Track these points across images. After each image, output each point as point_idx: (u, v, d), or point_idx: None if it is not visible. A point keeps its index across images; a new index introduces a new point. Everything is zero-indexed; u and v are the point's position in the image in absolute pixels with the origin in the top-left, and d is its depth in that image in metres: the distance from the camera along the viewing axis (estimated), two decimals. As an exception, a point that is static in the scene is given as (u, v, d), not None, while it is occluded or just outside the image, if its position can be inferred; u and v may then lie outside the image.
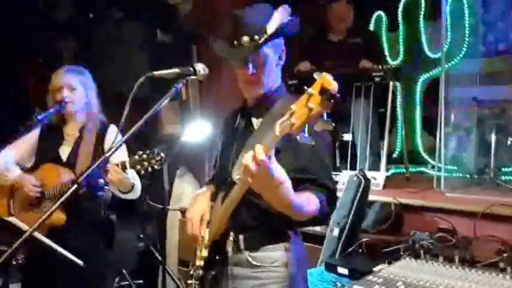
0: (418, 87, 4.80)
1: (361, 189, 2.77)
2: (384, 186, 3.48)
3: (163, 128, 4.68)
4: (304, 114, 1.26)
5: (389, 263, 2.39)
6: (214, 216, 1.91)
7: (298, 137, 1.31)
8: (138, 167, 2.27)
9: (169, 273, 3.86)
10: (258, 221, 1.80)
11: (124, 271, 3.91)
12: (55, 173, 2.56)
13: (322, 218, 1.70)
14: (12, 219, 2.07)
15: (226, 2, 4.51)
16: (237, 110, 1.97)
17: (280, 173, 1.45)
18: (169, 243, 4.00)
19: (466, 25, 4.52)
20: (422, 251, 2.44)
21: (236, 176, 1.75)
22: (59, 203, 1.51)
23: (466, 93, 3.89)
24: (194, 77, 1.83)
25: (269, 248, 1.81)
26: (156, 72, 1.77)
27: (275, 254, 1.81)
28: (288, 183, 1.48)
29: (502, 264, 2.19)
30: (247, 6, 1.82)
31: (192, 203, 2.00)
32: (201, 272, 1.89)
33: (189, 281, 1.93)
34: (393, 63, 4.88)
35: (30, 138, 2.67)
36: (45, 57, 4.56)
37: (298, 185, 1.64)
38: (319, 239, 2.97)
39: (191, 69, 1.82)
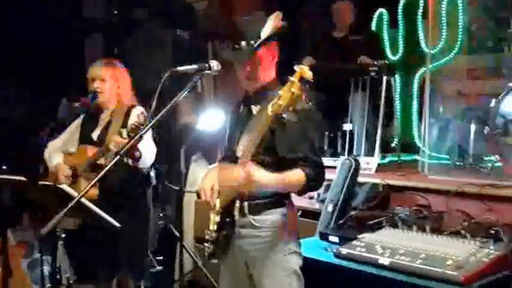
0: (416, 81, 5.17)
1: (351, 170, 3.19)
2: (376, 171, 3.90)
3: (180, 118, 5.12)
4: (288, 97, 1.72)
5: (372, 231, 2.83)
6: (224, 185, 2.27)
7: (284, 115, 1.76)
8: (132, 134, 2.56)
9: (187, 249, 4.26)
10: (259, 191, 2.15)
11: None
12: (85, 152, 2.94)
13: (311, 186, 2.13)
14: (63, 186, 2.45)
15: (240, 1, 4.96)
16: (240, 100, 2.39)
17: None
18: (186, 223, 4.43)
19: (460, 23, 4.87)
20: (400, 222, 2.87)
21: (239, 152, 2.19)
22: (102, 173, 1.96)
23: (453, 86, 4.27)
24: (209, 71, 2.25)
25: (268, 213, 2.20)
26: (179, 68, 2.19)
27: (273, 217, 2.20)
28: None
29: (463, 232, 2.61)
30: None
31: (204, 176, 2.38)
32: (214, 234, 2.25)
33: (205, 244, 2.33)
34: (394, 58, 5.26)
35: (73, 126, 3.12)
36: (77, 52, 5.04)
37: (289, 162, 2.09)
38: (317, 215, 3.41)
39: (207, 65, 2.25)
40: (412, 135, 4.95)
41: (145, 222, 3.17)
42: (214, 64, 2.25)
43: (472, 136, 3.75)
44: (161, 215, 4.50)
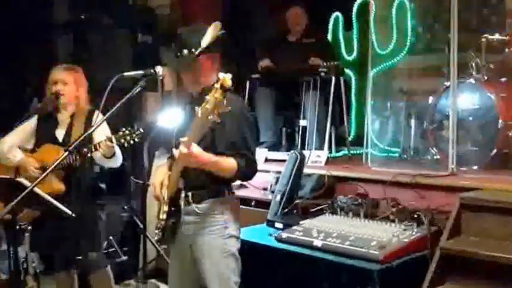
0: (370, 80, 5.48)
1: (297, 163, 3.47)
2: (327, 163, 4.19)
3: (146, 117, 5.35)
4: (213, 102, 1.98)
5: (312, 217, 3.12)
6: (170, 179, 2.54)
7: (210, 117, 2.01)
8: (122, 140, 2.88)
9: (150, 239, 4.50)
10: (201, 182, 2.43)
11: (111, 238, 4.61)
12: (54, 151, 3.16)
13: (243, 174, 2.41)
14: (21, 180, 2.65)
15: (201, 6, 5.21)
16: (187, 100, 2.64)
17: (198, 154, 2.19)
18: (149, 215, 4.66)
19: (409, 26, 5.18)
20: (338, 209, 3.17)
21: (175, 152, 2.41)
22: (55, 164, 2.19)
23: (399, 85, 4.59)
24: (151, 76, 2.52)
25: (210, 201, 2.44)
26: (126, 73, 2.46)
27: (214, 205, 2.44)
28: (206, 159, 2.22)
29: (392, 217, 2.91)
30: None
31: (155, 173, 2.66)
32: (163, 222, 2.51)
33: (156, 231, 2.60)
34: (349, 58, 5.57)
35: (30, 124, 3.31)
36: (44, 55, 5.21)
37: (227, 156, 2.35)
38: (269, 205, 3.67)
39: (152, 71, 2.51)
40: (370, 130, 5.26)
41: (101, 213, 3.40)
42: (159, 69, 2.50)
43: (412, 131, 4.07)
44: (125, 207, 4.71)
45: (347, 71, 5.38)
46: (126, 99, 2.42)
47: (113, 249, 4.59)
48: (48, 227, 3.20)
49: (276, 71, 4.78)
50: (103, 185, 3.49)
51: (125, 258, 4.58)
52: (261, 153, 4.61)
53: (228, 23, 5.44)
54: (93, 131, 2.34)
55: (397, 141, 4.50)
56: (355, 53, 5.55)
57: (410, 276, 2.55)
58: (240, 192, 4.16)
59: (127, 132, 2.90)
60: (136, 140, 2.89)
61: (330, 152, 4.56)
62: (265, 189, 4.06)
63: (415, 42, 5.11)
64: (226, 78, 1.97)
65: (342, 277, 2.53)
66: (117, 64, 4.59)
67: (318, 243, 2.74)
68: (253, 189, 4.24)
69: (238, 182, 4.28)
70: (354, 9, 5.53)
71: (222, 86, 1.96)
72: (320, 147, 4.41)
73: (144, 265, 4.29)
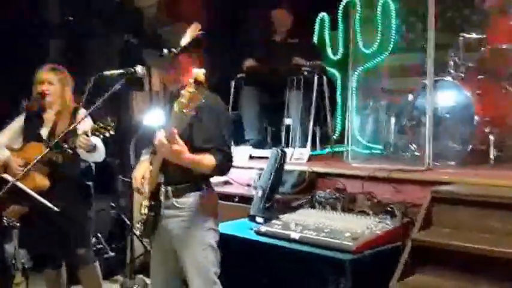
0: (354, 79, 5.58)
1: (278, 159, 3.54)
2: (309, 160, 4.28)
3: (134, 116, 5.43)
4: (187, 96, 2.06)
5: (290, 211, 3.20)
6: (151, 175, 2.59)
7: (185, 110, 2.09)
8: (97, 133, 2.92)
9: (137, 236, 4.56)
10: (180, 177, 2.50)
11: (100, 235, 4.68)
12: (37, 149, 3.18)
13: (221, 170, 2.47)
14: (5, 176, 2.74)
15: (188, 7, 5.29)
16: (168, 97, 2.72)
17: (179, 146, 2.24)
18: (136, 212, 4.73)
19: (392, 26, 5.28)
20: (317, 203, 3.25)
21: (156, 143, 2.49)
22: (36, 160, 2.26)
23: (381, 83, 4.69)
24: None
25: (188, 195, 2.51)
26: (105, 72, 2.54)
27: (192, 199, 2.51)
28: (183, 150, 2.26)
29: (367, 210, 3.00)
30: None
31: (137, 167, 2.69)
32: (145, 216, 2.59)
33: (137, 225, 2.69)
34: (334, 58, 5.66)
35: (17, 123, 3.39)
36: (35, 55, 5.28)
37: (205, 151, 2.41)
38: (250, 200, 3.75)
39: (132, 69, 2.59)
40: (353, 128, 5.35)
41: (88, 210, 3.45)
42: (139, 68, 2.59)
43: (392, 128, 4.16)
44: (113, 205, 4.78)
45: (333, 70, 5.49)
46: (106, 96, 2.50)
47: (101, 245, 4.64)
48: (37, 223, 3.27)
49: (260, 71, 4.86)
50: (90, 183, 3.54)
51: (112, 254, 4.64)
52: (245, 151, 4.70)
53: (215, 23, 5.59)
54: (75, 127, 2.41)
55: (380, 138, 4.59)
56: (340, 53, 5.65)
57: (382, 266, 2.63)
58: (225, 189, 4.26)
59: (101, 125, 2.94)
60: (111, 132, 2.92)
61: (314, 150, 4.64)
62: (248, 185, 4.14)
63: (399, 42, 5.21)
64: (199, 73, 2.05)
65: (318, 267, 2.61)
66: (105, 64, 4.65)
67: (295, 235, 2.82)
68: (237, 185, 4.33)
69: (223, 179, 4.42)
70: (340, 9, 5.64)
71: (195, 81, 2.03)
72: (304, 145, 4.49)
73: (132, 261, 4.38)
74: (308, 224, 2.91)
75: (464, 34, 3.78)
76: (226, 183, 4.42)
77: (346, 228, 2.76)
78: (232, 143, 4.96)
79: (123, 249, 4.66)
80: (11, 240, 3.45)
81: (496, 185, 2.81)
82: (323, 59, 5.26)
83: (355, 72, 5.45)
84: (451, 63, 3.82)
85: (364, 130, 4.41)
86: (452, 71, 3.81)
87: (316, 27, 5.74)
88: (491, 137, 3.46)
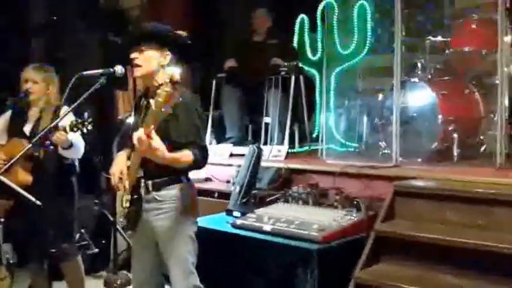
0: (332, 79, 5.76)
1: (254, 156, 3.72)
2: (286, 157, 4.46)
3: (118, 114, 5.56)
4: (164, 95, 2.20)
5: (265, 206, 3.38)
6: (130, 169, 2.70)
7: (163, 109, 2.24)
8: (75, 128, 3.00)
9: (120, 232, 4.69)
10: (159, 171, 2.60)
11: (83, 231, 4.80)
12: (19, 144, 3.28)
13: (198, 164, 2.59)
14: None
15: (171, 8, 5.44)
16: (142, 95, 2.82)
17: (157, 143, 2.36)
18: (118, 207, 4.85)
19: (368, 28, 5.47)
20: (290, 198, 3.43)
21: (134, 141, 2.60)
22: (18, 156, 2.40)
23: (356, 83, 4.89)
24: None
25: (168, 188, 2.61)
26: (85, 72, 2.68)
27: (172, 192, 2.61)
28: (162, 148, 2.38)
29: (336, 204, 3.19)
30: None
31: (115, 162, 2.77)
32: (126, 211, 2.71)
33: (119, 220, 2.79)
34: (314, 58, 5.84)
35: (2, 120, 3.50)
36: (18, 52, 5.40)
37: (181, 146, 2.55)
38: (229, 196, 3.92)
39: (111, 70, 2.73)
40: (329, 126, 5.54)
41: (71, 205, 3.58)
42: (118, 68, 2.73)
43: (364, 126, 4.36)
44: (97, 201, 4.91)
45: (312, 70, 5.67)
46: (86, 95, 2.64)
47: (85, 242, 4.75)
48: (20, 218, 3.38)
49: (239, 71, 5.04)
50: (73, 179, 3.65)
51: (96, 250, 4.76)
52: (226, 149, 4.87)
53: (197, 24, 5.74)
54: (56, 124, 2.55)
55: (356, 136, 4.79)
56: (319, 54, 5.83)
57: (347, 255, 2.82)
58: (206, 185, 4.43)
59: (79, 121, 3.03)
60: (89, 128, 3.01)
61: (293, 148, 4.83)
62: (228, 181, 4.32)
63: (375, 43, 5.40)
64: (174, 72, 2.19)
65: (288, 257, 2.79)
66: (89, 63, 4.78)
67: (267, 227, 3.00)
68: (217, 182, 4.50)
69: (204, 176, 4.58)
70: (318, 11, 5.82)
71: (170, 80, 2.18)
72: (282, 142, 4.68)
73: (115, 257, 4.51)
74: (280, 217, 3.09)
75: (431, 37, 3.97)
76: (207, 179, 4.59)
77: (314, 221, 2.94)
78: (215, 140, 5.19)
79: (107, 245, 4.74)
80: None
81: (452, 179, 3.00)
82: (302, 59, 5.45)
83: (332, 73, 5.69)
84: (419, 65, 4.02)
85: (339, 128, 4.59)
86: (420, 73, 4.01)
87: (296, 28, 5.92)
88: (455, 136, 3.66)
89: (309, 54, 5.89)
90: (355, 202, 3.07)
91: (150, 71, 2.64)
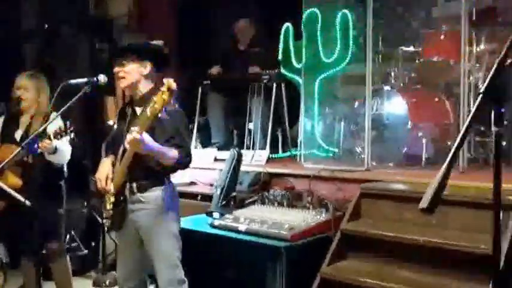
0: (316, 86, 5.97)
1: (234, 160, 3.92)
2: (267, 162, 4.66)
3: (106, 118, 5.76)
4: (161, 102, 2.40)
5: (243, 207, 3.58)
6: (116, 173, 2.88)
7: (160, 115, 2.44)
8: (59, 136, 3.18)
9: (109, 234, 4.85)
10: (144, 174, 2.79)
11: (73, 233, 4.97)
12: (10, 150, 3.42)
13: (181, 163, 2.77)
14: None
15: (157, 17, 5.65)
16: (126, 103, 3.02)
17: (149, 141, 2.55)
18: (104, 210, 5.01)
19: (350, 36, 5.68)
20: (266, 200, 3.63)
21: (126, 145, 2.84)
22: (6, 160, 2.59)
23: (336, 91, 5.09)
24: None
25: (152, 190, 2.80)
26: (71, 81, 2.89)
27: (155, 193, 2.79)
28: (155, 146, 2.59)
29: (307, 205, 3.39)
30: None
31: (99, 168, 2.95)
32: (111, 212, 2.87)
33: (104, 221, 2.98)
34: (298, 66, 6.05)
35: None
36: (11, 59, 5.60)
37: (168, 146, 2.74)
38: (211, 198, 4.12)
39: (95, 79, 2.94)
40: (313, 132, 5.74)
41: (59, 208, 3.73)
42: (102, 77, 2.93)
43: (341, 132, 4.57)
44: (86, 204, 5.09)
45: (296, 77, 5.88)
46: (72, 102, 2.84)
47: (75, 243, 4.92)
48: (12, 219, 3.54)
49: (223, 78, 5.25)
50: (61, 182, 3.83)
51: (86, 251, 4.93)
52: (210, 153, 5.07)
53: (183, 32, 5.95)
54: (44, 129, 2.75)
55: (335, 142, 4.99)
56: (303, 61, 6.03)
57: (315, 252, 3.02)
58: (190, 188, 4.63)
59: (62, 128, 3.20)
60: (71, 135, 3.21)
61: (277, 153, 5.03)
62: (211, 185, 4.50)
63: (357, 52, 5.61)
64: (171, 81, 2.40)
65: (260, 254, 3.00)
66: (78, 70, 4.99)
67: (242, 227, 3.20)
68: (202, 185, 4.69)
69: (189, 180, 4.77)
70: (303, 19, 6.03)
71: (168, 89, 2.38)
72: (264, 147, 4.88)
73: (104, 258, 4.68)
74: (255, 218, 3.29)
75: (403, 47, 4.19)
76: (192, 183, 4.79)
77: (286, 221, 3.14)
78: (200, 145, 5.38)
79: (97, 246, 4.93)
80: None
81: (411, 182, 3.22)
82: (287, 66, 5.65)
83: (316, 80, 5.90)
84: (392, 74, 4.23)
85: (320, 134, 4.78)
86: (393, 81, 4.22)
87: (281, 36, 6.13)
88: (424, 141, 3.87)
89: (294, 62, 6.14)
90: (323, 203, 3.27)
91: (133, 81, 2.85)
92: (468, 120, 1.35)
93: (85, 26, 5.22)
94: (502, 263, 2.46)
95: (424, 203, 1.28)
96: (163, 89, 2.41)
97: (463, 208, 2.76)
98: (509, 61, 1.31)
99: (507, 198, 2.47)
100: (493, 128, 1.33)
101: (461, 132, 1.33)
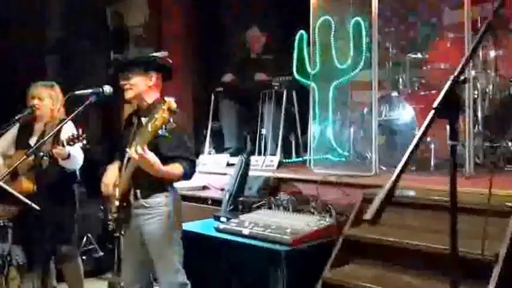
0: (330, 92, 6.00)
1: (243, 165, 3.99)
2: (278, 167, 4.71)
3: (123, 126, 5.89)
4: (161, 120, 2.49)
5: (250, 212, 3.63)
6: (121, 178, 2.99)
7: (160, 131, 2.52)
8: (71, 143, 3.33)
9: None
10: (147, 181, 2.87)
11: (90, 235, 5.11)
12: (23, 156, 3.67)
13: (186, 176, 2.86)
14: None
15: (173, 28, 5.77)
16: (133, 112, 3.14)
17: (151, 157, 2.65)
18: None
19: (363, 43, 5.70)
20: (273, 205, 3.68)
21: (130, 153, 2.91)
22: (14, 167, 2.71)
23: (349, 96, 5.12)
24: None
25: (155, 196, 2.90)
26: (76, 92, 3.00)
27: (159, 199, 2.90)
28: (157, 162, 2.68)
29: (312, 210, 3.42)
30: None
31: (106, 173, 3.06)
32: (115, 215, 2.98)
33: (109, 223, 3.04)
34: (312, 72, 6.09)
35: (11, 133, 3.81)
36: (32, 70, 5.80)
37: (172, 159, 2.83)
38: (220, 203, 4.18)
39: (101, 89, 3.05)
40: (327, 137, 5.77)
41: (73, 211, 3.87)
42: (107, 88, 3.04)
43: (351, 136, 4.59)
44: (102, 208, 5.20)
45: (312, 83, 5.91)
46: (79, 110, 2.96)
47: (92, 246, 5.08)
48: (27, 223, 3.67)
49: (235, 85, 5.33)
50: (74, 186, 3.94)
51: (101, 253, 5.06)
52: (223, 158, 5.15)
53: (198, 42, 6.05)
54: (53, 136, 2.88)
55: (346, 147, 5.01)
56: (317, 68, 6.07)
57: (318, 257, 3.05)
58: (202, 193, 4.71)
59: (75, 135, 3.35)
60: (84, 142, 3.34)
61: (290, 158, 5.08)
62: (222, 189, 4.57)
63: (369, 58, 5.62)
64: (171, 102, 2.49)
65: (262, 258, 3.04)
66: (95, 80, 5.13)
67: (246, 231, 3.25)
68: (214, 190, 4.77)
69: (201, 184, 4.85)
70: (316, 27, 6.07)
71: (168, 109, 2.47)
72: (275, 153, 4.94)
73: (118, 260, 4.79)
74: (259, 222, 3.34)
75: (411, 54, 4.20)
76: (205, 187, 4.88)
77: (289, 225, 3.18)
78: (214, 150, 5.47)
79: (112, 249, 5.00)
80: (6, 239, 3.87)
81: (415, 187, 3.22)
82: (301, 73, 5.70)
83: (330, 86, 5.93)
84: (401, 80, 4.24)
85: (333, 139, 4.81)
86: (401, 87, 4.23)
87: (296, 43, 6.19)
88: (432, 147, 3.87)
89: (308, 69, 6.19)
90: (327, 208, 3.30)
91: (138, 92, 2.96)
92: (418, 136, 1.40)
93: (102, 37, 5.36)
94: (500, 268, 2.48)
95: (368, 215, 1.33)
96: (164, 107, 2.50)
97: (463, 214, 2.75)
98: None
99: (505, 205, 2.47)
100: (448, 142, 1.39)
101: (410, 148, 1.39)
